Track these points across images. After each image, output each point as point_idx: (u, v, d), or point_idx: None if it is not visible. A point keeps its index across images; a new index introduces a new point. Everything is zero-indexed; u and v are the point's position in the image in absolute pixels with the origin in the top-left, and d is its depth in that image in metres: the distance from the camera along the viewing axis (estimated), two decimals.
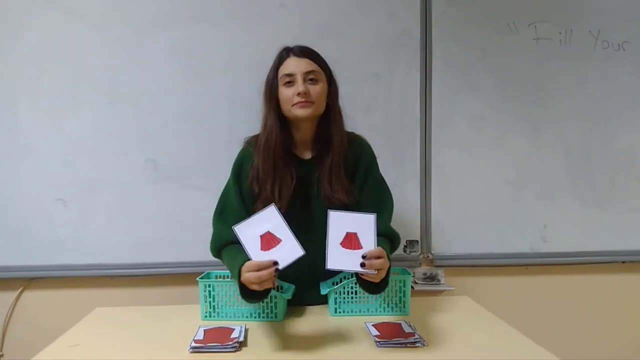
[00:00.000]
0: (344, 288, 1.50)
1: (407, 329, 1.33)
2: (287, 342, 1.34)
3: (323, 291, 1.49)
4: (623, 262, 2.13)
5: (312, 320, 1.48)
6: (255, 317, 1.46)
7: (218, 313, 1.48)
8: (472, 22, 2.00)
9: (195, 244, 1.91)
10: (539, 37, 2.03)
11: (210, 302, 1.48)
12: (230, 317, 1.47)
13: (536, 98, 2.04)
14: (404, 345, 1.25)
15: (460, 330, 1.39)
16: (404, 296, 1.51)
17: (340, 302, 1.49)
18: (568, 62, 2.04)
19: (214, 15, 1.92)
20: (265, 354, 1.25)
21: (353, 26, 1.96)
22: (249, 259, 1.19)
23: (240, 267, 1.20)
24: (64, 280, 1.95)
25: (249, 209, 1.44)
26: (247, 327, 1.37)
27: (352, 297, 1.50)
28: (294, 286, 1.49)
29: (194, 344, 1.25)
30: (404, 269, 1.57)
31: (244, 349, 1.26)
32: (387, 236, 1.45)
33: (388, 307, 1.51)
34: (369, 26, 1.97)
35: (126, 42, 1.91)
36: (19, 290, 1.97)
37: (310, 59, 1.43)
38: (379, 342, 1.26)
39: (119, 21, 1.90)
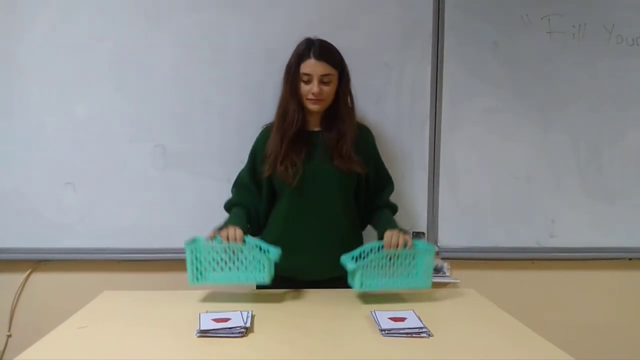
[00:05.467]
0: (371, 262, 1.50)
1: (413, 319, 1.34)
2: (292, 328, 1.35)
3: (349, 267, 1.50)
4: (630, 259, 2.12)
5: (319, 307, 1.49)
6: (243, 281, 1.49)
7: (206, 278, 1.50)
8: (485, 13, 1.98)
9: (202, 231, 1.91)
10: (553, 30, 2.01)
11: (197, 266, 1.50)
12: (217, 280, 1.49)
13: (548, 92, 2.02)
14: (409, 335, 1.25)
15: (465, 322, 1.39)
16: (427, 268, 1.54)
17: (365, 276, 1.50)
18: (581, 56, 2.02)
19: (226, 2, 1.91)
20: (270, 340, 1.26)
21: (364, 15, 1.94)
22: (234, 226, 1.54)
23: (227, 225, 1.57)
24: (71, 264, 1.97)
25: (258, 183, 1.70)
26: (253, 313, 1.38)
27: (377, 272, 1.51)
28: (280, 250, 1.51)
29: (201, 329, 1.26)
30: (425, 242, 1.58)
31: (250, 334, 1.27)
32: (390, 207, 1.78)
33: (412, 280, 1.53)
34: (381, 16, 1.95)
35: (136, 29, 1.91)
36: (28, 272, 1.99)
37: (327, 62, 1.60)
38: (385, 330, 1.26)
39: (129, 7, 1.90)
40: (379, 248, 1.56)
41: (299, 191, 1.62)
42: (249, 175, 1.73)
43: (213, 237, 1.53)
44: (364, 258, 1.53)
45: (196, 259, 1.50)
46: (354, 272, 1.50)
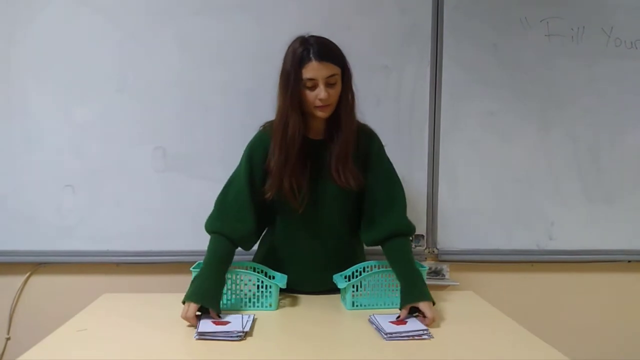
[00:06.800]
0: (361, 283, 1.50)
1: (413, 322, 1.33)
2: (292, 333, 1.35)
3: (340, 285, 1.50)
4: (629, 262, 2.12)
5: (319, 312, 1.49)
6: (250, 307, 1.47)
7: None
8: (484, 16, 1.99)
9: (202, 233, 1.91)
10: (551, 33, 2.01)
11: None
12: (224, 307, 1.45)
13: (547, 94, 2.03)
14: (411, 338, 1.25)
15: (464, 325, 1.39)
16: None
17: (357, 295, 1.50)
18: (580, 59, 2.02)
19: (227, 5, 1.92)
20: (270, 344, 1.26)
21: (364, 19, 1.95)
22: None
23: (193, 296, 1.38)
24: (71, 266, 1.97)
25: (256, 192, 1.52)
26: (255, 317, 1.38)
27: (368, 292, 1.50)
28: (286, 276, 1.52)
29: (200, 331, 1.25)
30: (418, 263, 1.58)
31: (248, 338, 1.26)
32: (404, 233, 1.54)
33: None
34: (380, 19, 1.96)
35: (137, 31, 1.91)
36: (27, 274, 1.99)
37: (331, 61, 1.44)
38: (388, 334, 1.26)
39: (129, 10, 1.90)
40: (371, 267, 1.55)
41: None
42: (247, 187, 1.53)
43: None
44: (356, 277, 1.53)
45: None
46: (345, 290, 1.50)
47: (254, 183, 1.53)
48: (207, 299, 1.38)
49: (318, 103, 1.45)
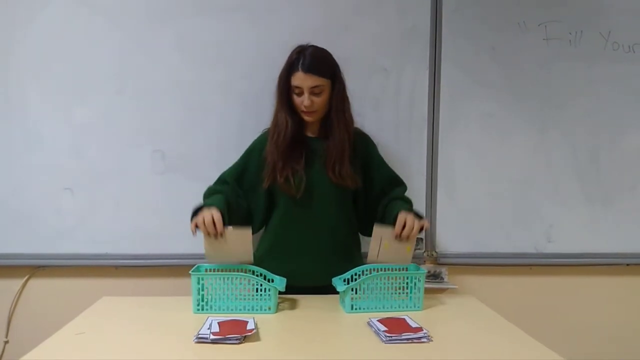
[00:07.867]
0: (360, 286, 1.50)
1: (412, 324, 1.34)
2: (291, 336, 1.35)
3: (339, 288, 1.50)
4: (627, 265, 2.12)
5: (318, 314, 1.49)
6: (248, 310, 1.47)
7: (211, 306, 1.47)
8: (483, 20, 1.99)
9: (202, 236, 1.92)
10: (549, 37, 2.02)
11: (202, 295, 1.48)
12: (223, 310, 1.46)
13: (545, 98, 2.03)
14: (410, 341, 1.25)
15: (463, 328, 1.39)
16: (418, 292, 1.52)
17: (356, 299, 1.50)
18: (577, 63, 2.03)
19: (225, 7, 1.92)
20: (268, 348, 1.25)
21: (362, 21, 1.95)
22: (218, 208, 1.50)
23: (211, 205, 1.52)
24: (69, 269, 1.96)
25: (240, 183, 1.70)
26: (255, 321, 1.37)
27: (367, 295, 1.50)
28: (285, 279, 1.52)
29: (200, 335, 1.25)
30: (417, 266, 1.58)
31: (247, 342, 1.25)
32: (405, 200, 1.72)
33: (403, 302, 1.52)
34: (379, 21, 1.96)
35: (136, 33, 1.91)
36: (25, 278, 1.98)
37: (317, 74, 1.57)
38: (389, 337, 1.25)
39: (129, 12, 1.90)
40: (370, 270, 1.55)
41: (296, 198, 1.62)
42: (232, 177, 1.70)
43: (195, 230, 1.50)
44: (355, 280, 1.53)
45: (202, 287, 1.47)
46: (344, 294, 1.50)
47: (244, 174, 1.70)
48: (215, 205, 1.52)
49: (302, 108, 1.60)
